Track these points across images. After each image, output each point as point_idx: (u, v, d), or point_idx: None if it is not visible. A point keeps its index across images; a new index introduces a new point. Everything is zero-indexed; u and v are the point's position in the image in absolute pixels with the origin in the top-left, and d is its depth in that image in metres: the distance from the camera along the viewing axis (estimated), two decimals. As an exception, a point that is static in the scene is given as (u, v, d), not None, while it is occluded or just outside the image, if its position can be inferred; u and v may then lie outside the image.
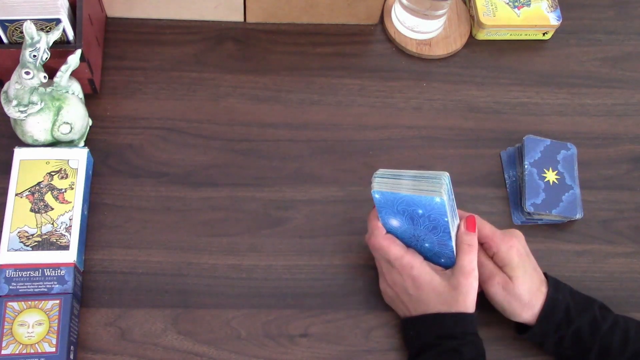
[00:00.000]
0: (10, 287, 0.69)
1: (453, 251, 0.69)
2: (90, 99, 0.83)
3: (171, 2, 0.87)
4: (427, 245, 0.69)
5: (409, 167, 0.83)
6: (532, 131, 0.86)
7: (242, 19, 0.91)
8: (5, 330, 0.68)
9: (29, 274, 0.70)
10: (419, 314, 0.70)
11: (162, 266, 0.76)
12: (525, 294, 0.69)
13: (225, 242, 0.78)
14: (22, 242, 0.71)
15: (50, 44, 0.72)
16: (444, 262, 0.70)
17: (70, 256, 0.71)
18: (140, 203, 0.79)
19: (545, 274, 0.72)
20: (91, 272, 0.76)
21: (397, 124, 0.87)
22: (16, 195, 0.73)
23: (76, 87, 0.79)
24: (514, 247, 0.70)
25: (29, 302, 0.69)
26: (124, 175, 0.81)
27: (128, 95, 0.85)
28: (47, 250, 0.71)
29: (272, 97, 0.87)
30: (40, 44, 0.71)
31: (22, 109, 0.72)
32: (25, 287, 0.70)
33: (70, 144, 0.78)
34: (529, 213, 0.81)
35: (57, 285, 0.70)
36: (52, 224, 0.73)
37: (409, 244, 0.71)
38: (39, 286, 0.70)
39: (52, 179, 0.75)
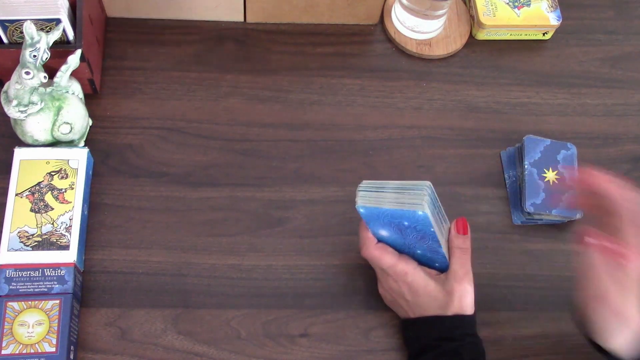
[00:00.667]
0: (11, 287, 0.69)
1: (445, 257, 0.68)
2: (90, 99, 0.83)
3: (171, 2, 0.87)
4: (419, 252, 0.69)
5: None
6: (532, 131, 0.86)
7: (242, 19, 0.91)
8: (5, 330, 0.68)
9: (29, 274, 0.70)
10: (418, 316, 0.70)
11: (162, 266, 0.76)
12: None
13: (225, 242, 0.78)
14: (22, 242, 0.71)
15: (50, 44, 0.72)
16: (439, 266, 0.70)
17: (70, 256, 0.71)
18: (140, 203, 0.79)
19: None
20: (91, 272, 0.76)
21: (397, 124, 0.87)
22: (16, 195, 0.73)
23: (76, 87, 0.78)
24: None
25: (29, 302, 0.69)
26: (124, 175, 0.81)
27: (128, 95, 0.85)
28: (47, 250, 0.71)
29: (272, 97, 0.87)
30: (40, 44, 0.71)
31: (22, 109, 0.72)
32: (26, 287, 0.70)
33: (70, 144, 0.78)
34: (529, 213, 0.81)
35: (57, 285, 0.70)
36: (52, 224, 0.73)
37: (402, 250, 0.70)
38: (39, 286, 0.70)
39: (52, 179, 0.75)
